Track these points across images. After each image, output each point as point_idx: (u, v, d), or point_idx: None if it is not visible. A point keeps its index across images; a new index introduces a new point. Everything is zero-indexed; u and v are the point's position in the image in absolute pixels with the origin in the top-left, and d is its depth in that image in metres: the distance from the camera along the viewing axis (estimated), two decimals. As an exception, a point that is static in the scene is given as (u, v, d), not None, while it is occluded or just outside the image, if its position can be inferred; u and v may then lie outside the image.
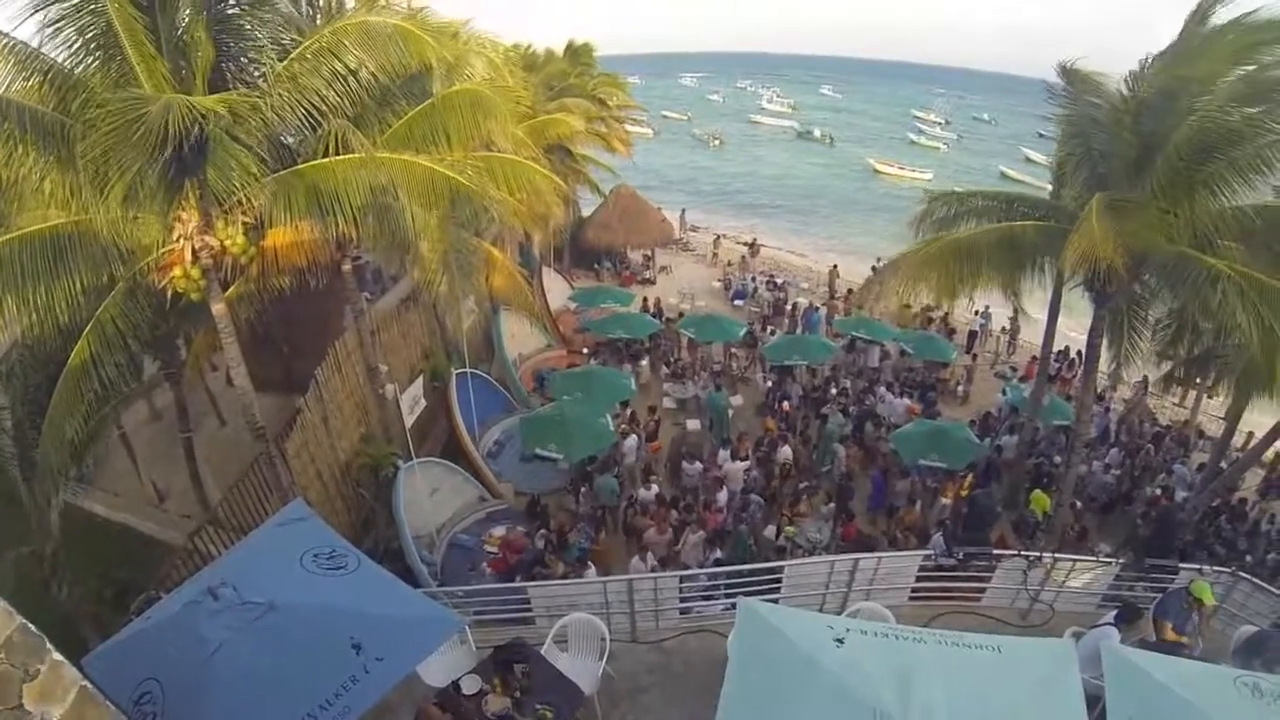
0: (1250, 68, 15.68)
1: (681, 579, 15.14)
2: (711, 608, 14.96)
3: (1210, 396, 29.28)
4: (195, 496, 17.96)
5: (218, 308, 14.10)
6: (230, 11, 13.76)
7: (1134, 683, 8.25)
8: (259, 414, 15.42)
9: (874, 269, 45.38)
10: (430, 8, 18.02)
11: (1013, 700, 7.64)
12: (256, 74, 14.26)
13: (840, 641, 7.99)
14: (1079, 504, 21.99)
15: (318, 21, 16.86)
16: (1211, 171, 15.44)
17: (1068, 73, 17.98)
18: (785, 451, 23.77)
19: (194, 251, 13.27)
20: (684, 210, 60.12)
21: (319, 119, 14.17)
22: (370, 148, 13.81)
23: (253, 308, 16.08)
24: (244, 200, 13.37)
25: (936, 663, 7.90)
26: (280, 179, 13.75)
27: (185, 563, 14.04)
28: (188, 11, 12.98)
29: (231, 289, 15.30)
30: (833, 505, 21.17)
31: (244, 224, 13.70)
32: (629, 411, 26.19)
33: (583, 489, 21.96)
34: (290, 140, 15.29)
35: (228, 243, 13.57)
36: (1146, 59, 16.60)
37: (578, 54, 47.71)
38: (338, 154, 14.03)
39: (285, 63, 13.72)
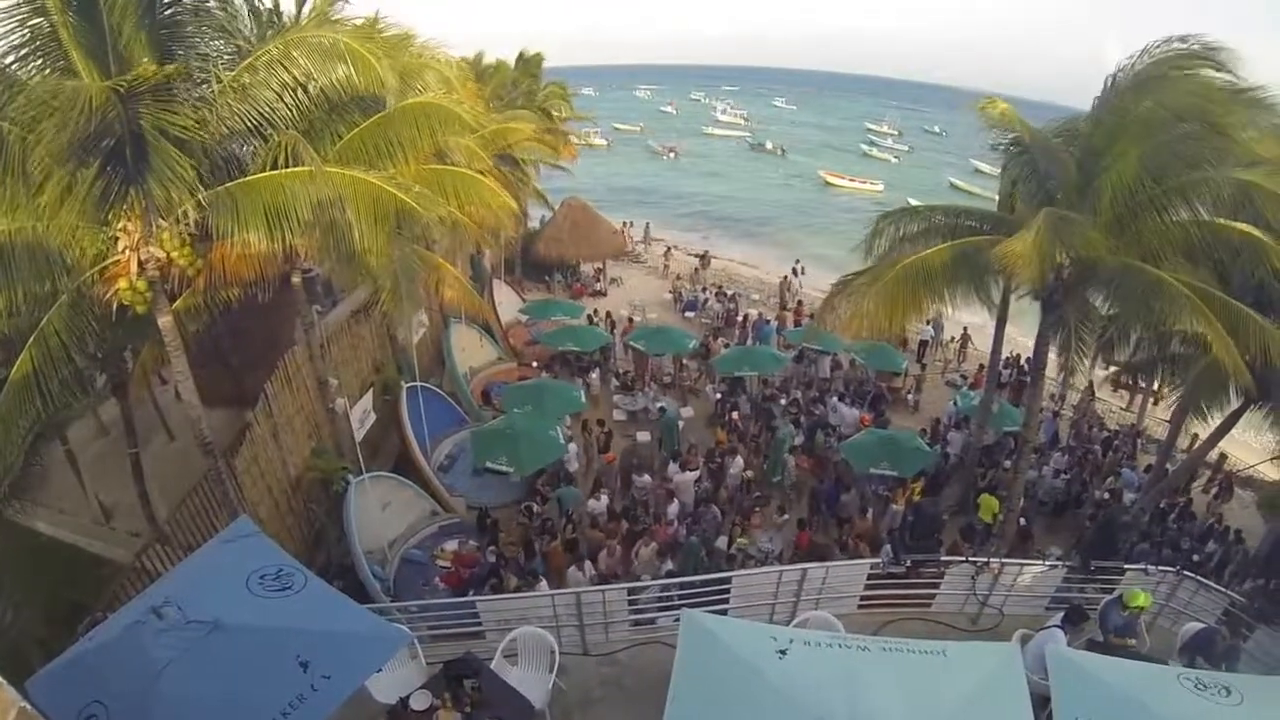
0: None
1: (630, 591, 15.18)
2: (665, 619, 14.98)
3: (1155, 402, 29.83)
4: (144, 514, 17.68)
5: (164, 320, 13.89)
6: (177, 19, 13.60)
7: (1080, 683, 8.44)
8: (207, 429, 15.21)
9: (794, 271, 48.08)
10: (386, 18, 17.92)
11: (958, 704, 7.75)
12: (204, 84, 14.12)
13: (783, 653, 8.09)
14: (1022, 519, 22.23)
15: (269, 35, 16.71)
16: (1153, 194, 15.98)
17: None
18: (738, 463, 23.91)
19: (140, 263, 13.09)
20: (648, 224, 60.32)
21: (269, 130, 14.05)
22: (318, 162, 13.65)
23: (201, 320, 15.84)
24: (189, 211, 13.15)
25: (881, 670, 8.01)
26: (228, 190, 13.52)
27: (133, 582, 13.83)
28: (132, 18, 12.81)
29: (179, 301, 15.02)
30: (786, 516, 21.50)
31: (190, 236, 13.51)
32: (581, 422, 26.45)
33: (534, 506, 21.77)
34: (239, 151, 15.12)
35: (174, 254, 13.36)
36: (1107, 86, 16.93)
37: (528, 64, 47.79)
38: (287, 166, 13.90)
39: (234, 73, 13.59)
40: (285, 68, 13.71)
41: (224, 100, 13.41)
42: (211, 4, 14.66)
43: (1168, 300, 15.29)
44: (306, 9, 18.78)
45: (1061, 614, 12.68)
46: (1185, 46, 16.03)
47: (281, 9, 18.98)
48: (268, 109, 13.73)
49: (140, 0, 12.52)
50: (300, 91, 14.18)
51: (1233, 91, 15.88)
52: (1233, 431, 20.74)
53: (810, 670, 7.91)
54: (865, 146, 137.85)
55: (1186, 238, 15.97)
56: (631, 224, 59.11)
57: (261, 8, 17.84)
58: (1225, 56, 15.79)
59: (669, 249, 55.63)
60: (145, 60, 12.74)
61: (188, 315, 15.46)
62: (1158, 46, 16.36)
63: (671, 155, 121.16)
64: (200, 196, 13.03)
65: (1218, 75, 15.95)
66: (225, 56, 14.59)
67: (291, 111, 14.15)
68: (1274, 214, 15.68)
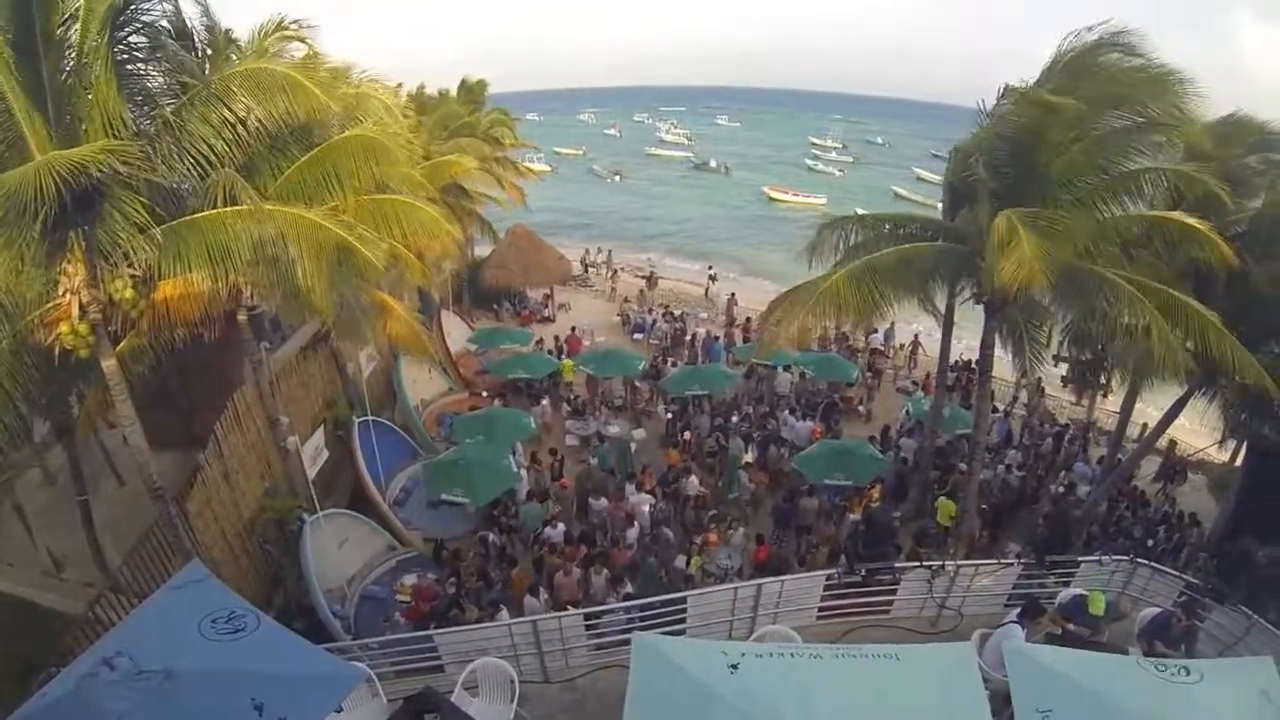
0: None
1: (586, 616, 15.14)
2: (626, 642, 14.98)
3: (1105, 395, 30.31)
4: (96, 563, 17.41)
5: (108, 364, 13.67)
6: (120, 57, 13.44)
7: (1037, 677, 8.51)
8: (157, 473, 15.00)
9: (710, 277, 51.24)
10: (325, 51, 17.87)
11: (913, 707, 7.78)
12: (146, 122, 13.97)
13: (734, 667, 8.06)
14: (986, 509, 22.43)
15: (208, 68, 16.54)
16: (1089, 190, 16.32)
17: (1010, 90, 18.48)
18: (693, 482, 24.00)
19: (81, 306, 12.88)
20: (610, 250, 60.32)
21: (209, 167, 13.89)
22: (258, 200, 13.56)
23: (146, 362, 15.63)
24: (132, 252, 12.96)
25: (835, 678, 8.05)
26: (169, 230, 13.39)
27: (87, 633, 13.56)
28: (72, 56, 12.68)
29: (122, 344, 14.81)
30: (741, 529, 21.72)
31: (132, 276, 13.32)
32: (531, 454, 26.52)
33: (491, 535, 21.71)
34: (180, 189, 14.94)
35: (116, 296, 13.18)
36: (1045, 75, 17.17)
37: (471, 91, 47.74)
38: (229, 204, 13.76)
39: (174, 110, 13.47)
40: (224, 103, 13.60)
41: (165, 139, 13.27)
42: (165, 40, 14.53)
43: (1112, 296, 15.75)
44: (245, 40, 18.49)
45: (1017, 610, 12.85)
46: (1094, 37, 16.45)
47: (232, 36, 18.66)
48: (207, 146, 13.56)
49: (100, 34, 12.39)
50: (240, 127, 14.05)
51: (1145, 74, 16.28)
52: (1181, 418, 21.10)
53: (763, 682, 7.90)
54: (810, 161, 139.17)
55: (1120, 231, 16.30)
56: (599, 250, 59.52)
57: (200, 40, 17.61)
58: (1131, 39, 16.23)
59: (615, 271, 55.76)
60: (93, 97, 12.61)
61: (132, 357, 15.25)
62: (1070, 41, 16.68)
63: (616, 178, 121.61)
64: (146, 237, 12.87)
65: (1128, 58, 16.29)
66: (172, 91, 14.49)
67: (231, 148, 13.99)
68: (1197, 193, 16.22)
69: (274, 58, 15.77)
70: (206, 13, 16.79)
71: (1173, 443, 28.14)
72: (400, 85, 38.29)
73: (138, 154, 12.61)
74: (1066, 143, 16.72)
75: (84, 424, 17.89)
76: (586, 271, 56.61)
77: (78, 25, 12.54)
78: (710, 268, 57.33)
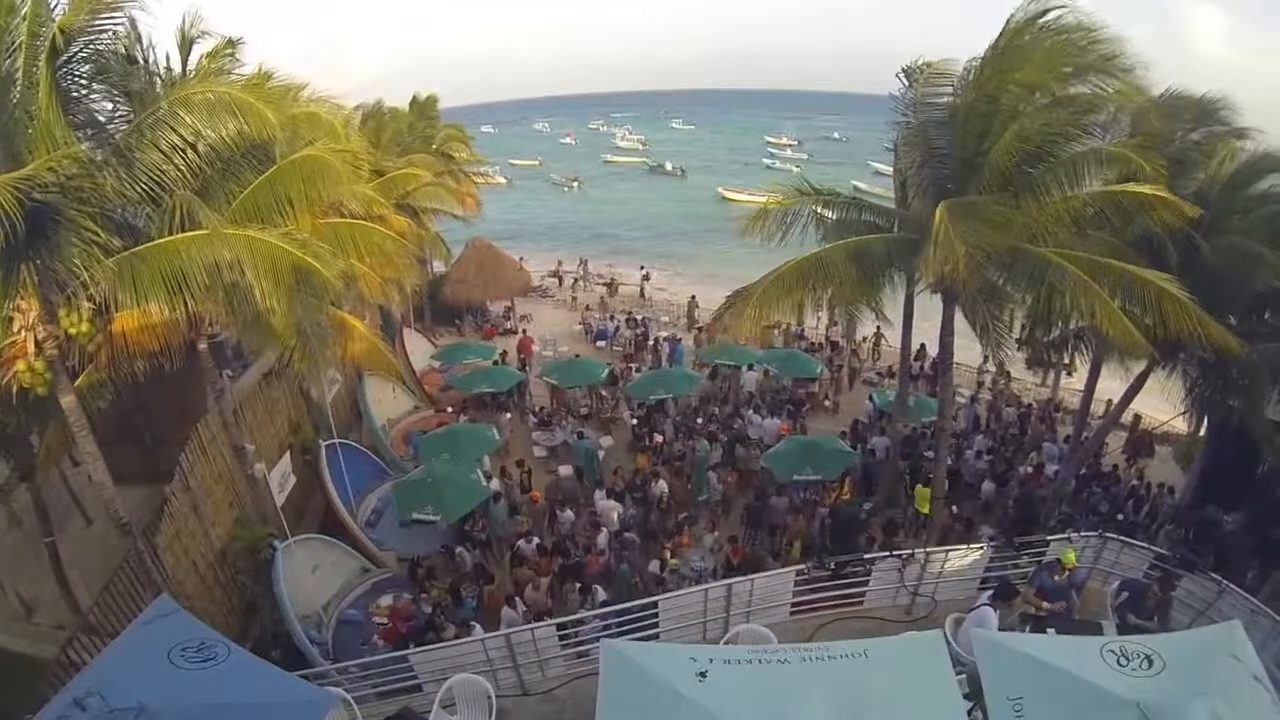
0: (1067, 70, 16.39)
1: (559, 626, 15.10)
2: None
3: (1069, 374, 30.58)
4: (67, 604, 17.18)
5: (67, 401, 13.46)
6: (64, 84, 13.22)
7: (1007, 665, 8.53)
8: (123, 508, 14.82)
9: (644, 277, 52.26)
10: (274, 70, 17.72)
11: (884, 702, 7.76)
12: (96, 149, 13.80)
13: (703, 675, 8.01)
14: (954, 508, 22.44)
15: (159, 86, 16.36)
16: (1034, 177, 16.45)
17: (909, 73, 18.51)
18: (661, 485, 24.06)
19: (37, 343, 12.70)
20: (586, 260, 60.22)
21: (161, 194, 13.75)
22: (214, 223, 13.42)
23: (107, 397, 15.44)
24: (87, 284, 12.78)
25: (803, 681, 8.01)
26: (124, 259, 13.20)
27: (60, 676, 13.36)
28: (17, 90, 12.48)
29: (81, 378, 14.59)
30: (716, 533, 21.73)
31: (88, 309, 13.15)
32: (500, 467, 26.48)
33: (458, 549, 21.71)
34: (132, 217, 14.77)
35: (72, 330, 13.00)
36: (974, 61, 17.13)
37: (423, 108, 47.47)
38: (182, 230, 13.61)
39: (123, 136, 13.32)
40: (173, 127, 13.46)
41: (116, 165, 13.13)
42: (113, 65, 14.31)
43: (1060, 278, 15.86)
44: (192, 63, 18.27)
45: (988, 593, 12.93)
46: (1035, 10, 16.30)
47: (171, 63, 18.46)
48: (158, 171, 13.43)
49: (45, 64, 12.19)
50: (190, 151, 13.91)
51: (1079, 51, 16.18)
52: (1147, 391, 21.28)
53: (732, 690, 7.86)
54: (766, 160, 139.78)
55: (1072, 210, 16.42)
56: (580, 261, 59.54)
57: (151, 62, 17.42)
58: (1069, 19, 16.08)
59: (575, 280, 55.66)
60: (36, 127, 12.41)
61: (92, 392, 15.05)
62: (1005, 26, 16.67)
63: (575, 185, 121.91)
64: (100, 266, 12.71)
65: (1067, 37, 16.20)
66: (120, 117, 14.33)
67: (183, 173, 13.86)
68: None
69: (221, 79, 15.62)
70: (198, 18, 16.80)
71: (1137, 417, 28.63)
72: (357, 108, 38.22)
73: (82, 169, 12.48)
74: (1001, 129, 16.69)
75: (44, 462, 17.66)
76: (560, 283, 56.52)
77: (21, 56, 12.35)
78: (643, 267, 58.10)
